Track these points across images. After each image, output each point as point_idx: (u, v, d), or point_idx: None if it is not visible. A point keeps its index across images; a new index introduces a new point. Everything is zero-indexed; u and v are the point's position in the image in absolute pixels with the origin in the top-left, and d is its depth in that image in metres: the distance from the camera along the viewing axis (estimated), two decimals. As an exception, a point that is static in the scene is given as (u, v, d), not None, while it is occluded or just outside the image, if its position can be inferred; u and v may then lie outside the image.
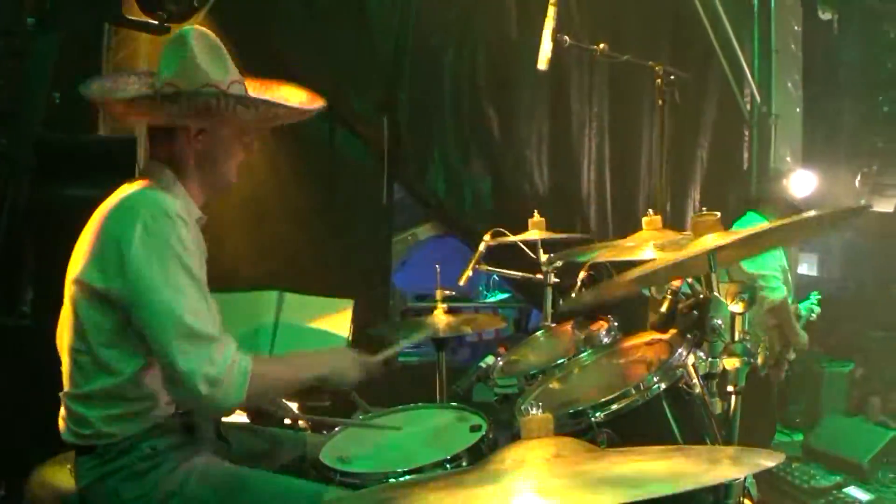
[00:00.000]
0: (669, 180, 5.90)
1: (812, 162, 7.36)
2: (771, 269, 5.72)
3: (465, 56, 6.50)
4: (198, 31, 2.87)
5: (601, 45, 4.18)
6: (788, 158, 7.57)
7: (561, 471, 1.67)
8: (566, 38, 3.93)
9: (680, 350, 2.60)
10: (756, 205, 6.22)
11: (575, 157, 6.85)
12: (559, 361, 3.09)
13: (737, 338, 2.31)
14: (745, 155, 7.65)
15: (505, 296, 7.69)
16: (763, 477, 5.91)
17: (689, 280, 2.76)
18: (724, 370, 2.37)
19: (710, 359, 2.56)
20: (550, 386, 2.94)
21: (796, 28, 8.03)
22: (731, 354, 2.29)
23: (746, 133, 7.63)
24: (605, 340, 3.25)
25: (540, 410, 1.86)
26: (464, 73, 6.50)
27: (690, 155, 7.26)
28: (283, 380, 2.91)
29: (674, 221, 6.36)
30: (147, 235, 2.60)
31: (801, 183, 6.54)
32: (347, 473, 2.88)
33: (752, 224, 5.94)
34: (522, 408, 2.06)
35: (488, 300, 7.70)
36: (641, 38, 6.61)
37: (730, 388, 2.32)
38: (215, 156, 2.90)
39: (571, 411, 2.53)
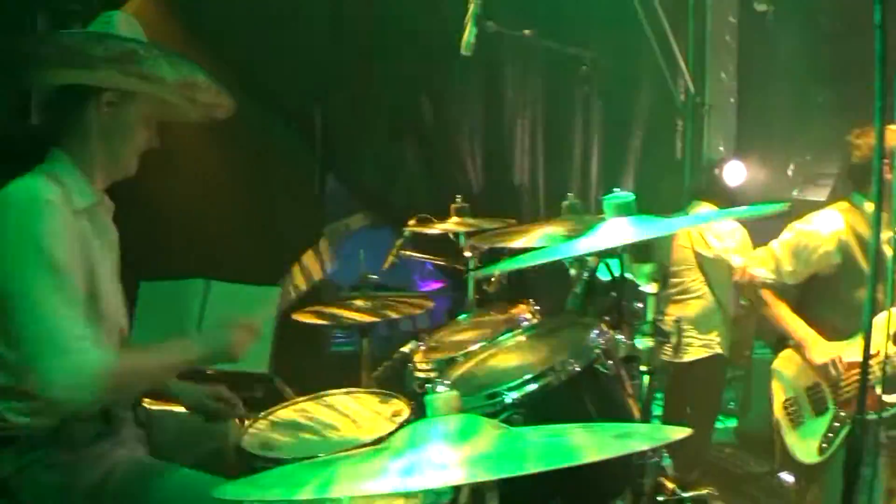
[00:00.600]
0: (602, 169, 5.92)
1: (746, 152, 7.42)
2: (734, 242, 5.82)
3: (398, 45, 6.47)
4: (123, 15, 2.87)
5: (527, 32, 4.17)
6: (721, 148, 7.63)
7: (462, 446, 1.67)
8: (491, 23, 3.91)
9: (596, 331, 2.61)
10: (703, 194, 6.26)
11: (508, 146, 6.85)
12: (479, 345, 3.09)
13: (650, 318, 2.32)
14: (679, 145, 7.69)
15: (441, 285, 7.67)
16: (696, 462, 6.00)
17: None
18: (639, 350, 2.37)
19: (629, 340, 2.56)
20: (470, 369, 2.94)
21: (731, 19, 8.10)
22: (644, 335, 2.30)
23: (679, 123, 7.66)
24: (526, 323, 3.26)
25: (447, 388, 1.85)
26: (396, 62, 6.48)
27: (623, 144, 7.29)
28: (152, 370, 2.84)
29: (607, 208, 6.39)
30: (14, 230, 2.57)
31: (734, 173, 6.61)
32: (270, 460, 2.87)
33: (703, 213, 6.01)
34: (428, 386, 2.07)
35: (423, 289, 7.69)
36: (574, 26, 6.62)
37: (643, 368, 2.32)
38: (118, 133, 2.85)
39: (487, 392, 2.53)
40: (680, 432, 1.79)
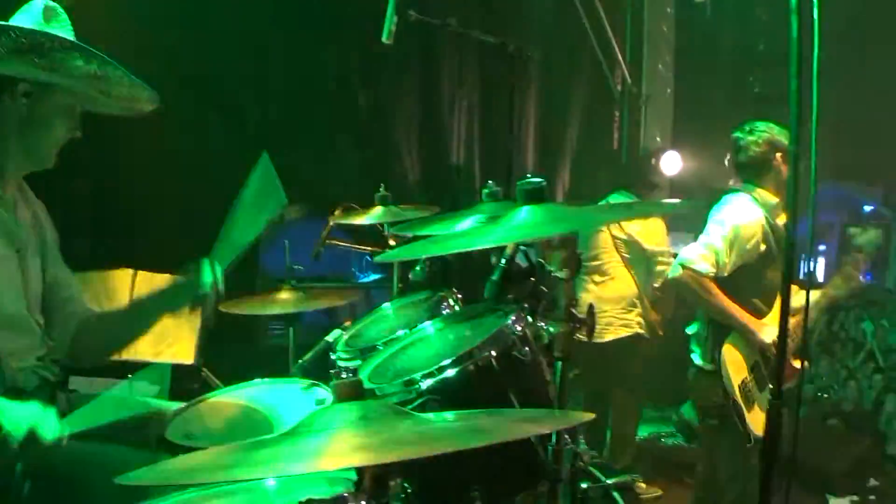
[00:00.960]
0: (539, 159, 5.94)
1: (682, 142, 7.48)
2: (668, 246, 5.90)
3: (334, 35, 6.45)
4: (48, 3, 2.83)
5: (450, 21, 4.16)
6: (658, 139, 7.69)
7: (364, 431, 1.67)
8: (412, 12, 3.90)
9: (513, 318, 2.61)
10: (624, 184, 6.32)
11: (445, 136, 6.85)
12: (400, 333, 3.09)
13: (564, 304, 2.32)
14: (616, 135, 7.76)
15: (379, 276, 7.65)
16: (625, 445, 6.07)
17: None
18: (552, 336, 2.37)
19: (545, 326, 2.56)
20: (390, 357, 2.94)
21: (669, 10, 8.16)
22: (556, 321, 2.30)
23: (616, 114, 7.73)
24: (447, 311, 3.26)
25: (351, 375, 1.86)
26: (332, 52, 6.46)
27: (560, 134, 7.32)
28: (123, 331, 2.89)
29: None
30: None
31: (669, 163, 6.67)
32: (192, 449, 2.84)
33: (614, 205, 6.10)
34: (332, 372, 2.06)
35: (362, 280, 7.66)
36: (512, 18, 6.64)
37: (556, 354, 2.32)
38: (35, 125, 2.82)
39: (403, 379, 2.52)
40: (584, 416, 1.80)
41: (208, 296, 3.01)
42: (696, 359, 4.77)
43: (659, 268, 6.03)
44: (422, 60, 6.56)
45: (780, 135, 4.67)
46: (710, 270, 4.55)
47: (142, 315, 3.20)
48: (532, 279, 2.61)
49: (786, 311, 2.59)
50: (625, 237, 6.03)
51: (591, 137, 7.53)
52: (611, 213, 2.55)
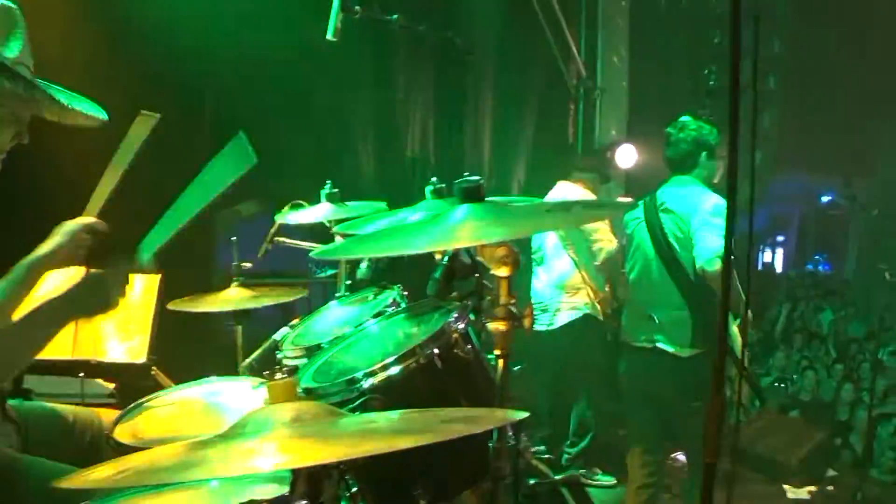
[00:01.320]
0: (494, 153, 5.95)
1: (637, 135, 7.51)
2: (603, 222, 5.94)
3: (287, 29, 6.42)
4: (4, 6, 2.77)
5: (396, 17, 4.15)
6: (614, 132, 7.73)
7: (295, 433, 1.68)
8: (357, 8, 3.90)
9: (454, 315, 2.62)
10: (572, 177, 6.37)
11: (399, 131, 6.86)
12: (345, 331, 3.09)
13: (502, 301, 2.32)
14: (571, 129, 7.78)
15: (336, 271, 7.61)
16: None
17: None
18: (491, 333, 2.38)
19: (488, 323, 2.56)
20: (334, 355, 2.94)
21: (623, 3, 8.19)
22: (495, 318, 2.31)
23: (572, 107, 7.75)
24: (391, 308, 3.27)
25: (284, 376, 1.86)
26: (285, 46, 6.43)
27: (516, 128, 7.34)
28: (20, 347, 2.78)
29: (501, 194, 6.44)
30: None
31: (625, 155, 6.72)
32: (140, 449, 2.82)
33: (566, 196, 6.14)
34: (266, 373, 2.06)
35: (318, 276, 7.63)
36: (464, 13, 6.63)
37: (497, 352, 2.33)
38: None
39: (346, 378, 2.53)
40: (519, 415, 1.81)
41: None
42: (666, 346, 4.78)
43: (596, 246, 6.06)
44: (375, 56, 6.54)
45: (708, 135, 4.75)
46: None
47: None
48: (476, 276, 2.61)
49: (725, 303, 2.60)
50: None
51: (546, 131, 7.56)
52: (549, 216, 2.54)
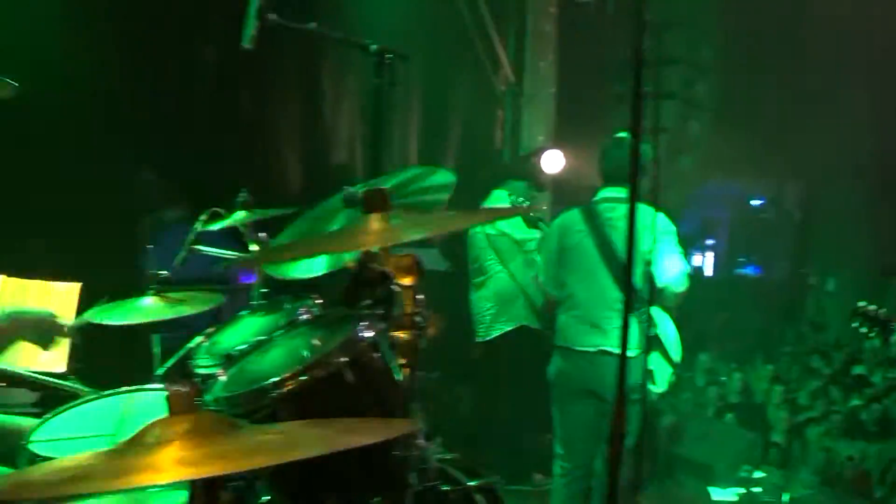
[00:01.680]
0: (421, 160, 5.97)
1: (565, 141, 7.55)
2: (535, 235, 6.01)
3: (213, 35, 6.41)
4: None
5: (312, 24, 4.15)
6: (541, 137, 7.75)
7: (189, 445, 1.69)
8: (272, 16, 3.90)
9: (364, 324, 2.63)
10: (503, 184, 6.41)
11: (325, 138, 6.87)
12: (258, 339, 3.09)
13: (407, 311, 2.35)
14: (498, 134, 7.82)
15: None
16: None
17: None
18: (397, 343, 2.41)
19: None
20: (243, 364, 2.93)
21: (552, 9, 8.23)
22: (400, 328, 2.34)
23: (499, 113, 7.79)
24: (305, 317, 3.27)
25: (185, 387, 1.87)
26: (214, 50, 6.41)
27: (442, 134, 7.37)
28: None
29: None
30: None
31: (551, 162, 6.76)
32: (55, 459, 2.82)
33: (499, 203, 6.18)
34: (165, 384, 2.06)
35: (244, 282, 7.59)
36: (387, 19, 6.64)
37: (402, 361, 2.36)
38: None
39: (254, 388, 2.53)
40: (406, 426, 1.84)
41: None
42: (615, 349, 4.81)
43: (531, 256, 6.12)
44: (301, 63, 6.55)
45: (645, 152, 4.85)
46: None
47: None
48: (387, 284, 2.63)
49: (628, 306, 2.66)
50: (496, 233, 6.16)
51: (474, 137, 7.60)
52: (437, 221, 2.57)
